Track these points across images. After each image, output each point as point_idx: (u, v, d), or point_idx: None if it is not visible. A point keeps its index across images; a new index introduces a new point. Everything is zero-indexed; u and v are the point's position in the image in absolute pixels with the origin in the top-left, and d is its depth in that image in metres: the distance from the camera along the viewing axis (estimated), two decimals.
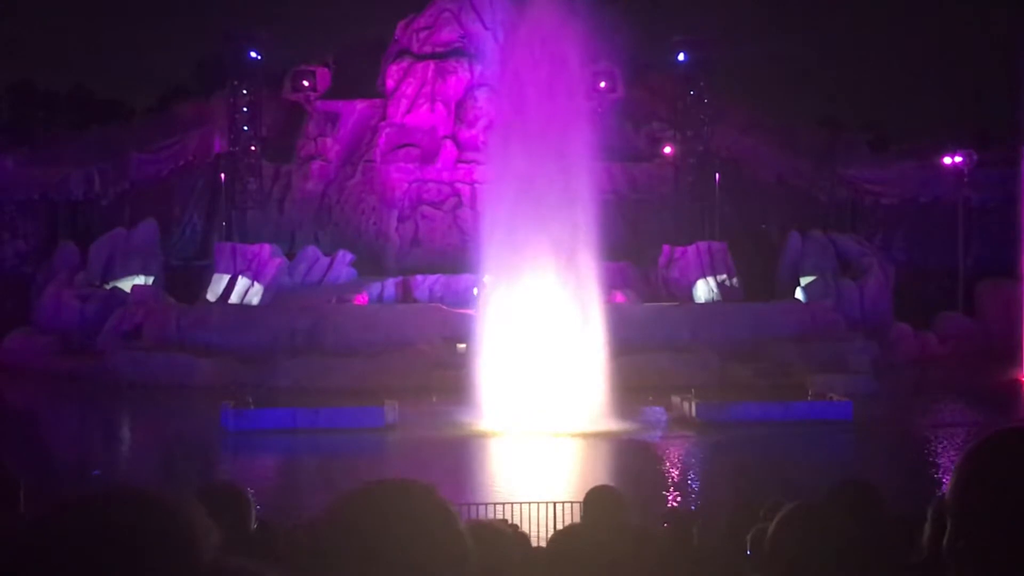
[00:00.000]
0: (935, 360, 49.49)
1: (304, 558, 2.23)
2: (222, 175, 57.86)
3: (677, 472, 28.70)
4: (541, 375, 35.23)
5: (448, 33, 58.09)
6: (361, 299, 51.27)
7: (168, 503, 1.71)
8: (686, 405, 35.38)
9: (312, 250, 56.10)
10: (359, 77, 58.67)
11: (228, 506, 4.86)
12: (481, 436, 32.48)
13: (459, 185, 56.39)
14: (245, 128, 57.57)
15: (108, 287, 51.48)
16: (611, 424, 33.71)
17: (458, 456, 30.63)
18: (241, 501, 4.97)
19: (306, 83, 58.68)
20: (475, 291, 44.47)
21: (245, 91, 57.27)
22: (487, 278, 43.88)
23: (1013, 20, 52.02)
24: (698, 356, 44.08)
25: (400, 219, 56.46)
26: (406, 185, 56.67)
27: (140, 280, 52.05)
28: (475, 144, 56.26)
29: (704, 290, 53.78)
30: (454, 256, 52.53)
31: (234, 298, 52.58)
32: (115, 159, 56.69)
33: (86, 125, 58.02)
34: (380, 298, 51.36)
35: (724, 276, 54.13)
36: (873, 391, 40.13)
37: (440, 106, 57.24)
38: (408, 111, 57.49)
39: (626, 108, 56.75)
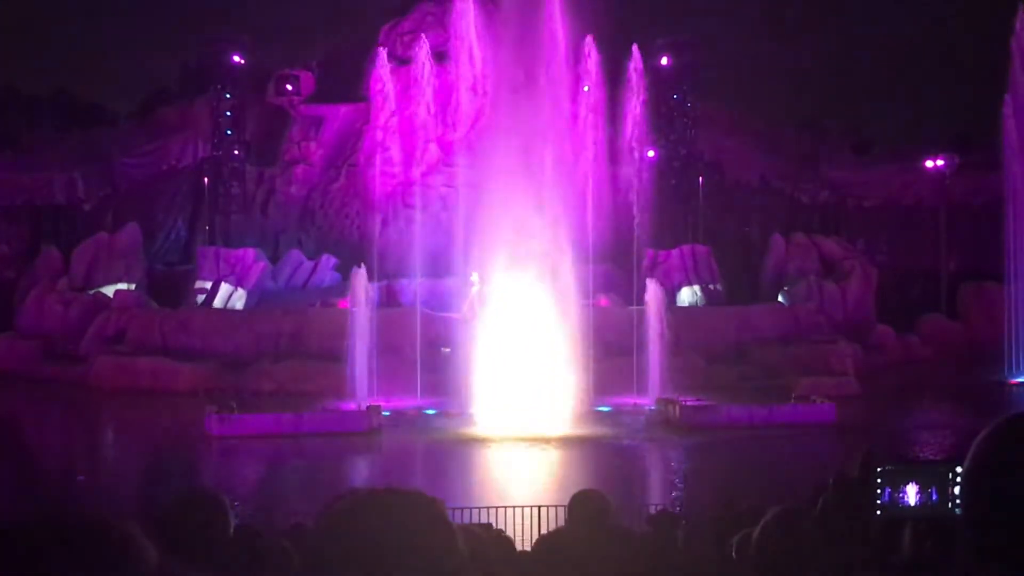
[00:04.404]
0: (918, 362, 49.63)
1: (296, 564, 2.22)
2: (205, 179, 57.71)
3: (661, 475, 28.74)
4: (526, 378, 35.25)
5: (432, 37, 58.07)
6: (345, 303, 51.16)
7: (101, 524, 1.71)
8: (670, 408, 35.45)
9: (296, 254, 56.01)
10: (343, 81, 58.59)
11: (206, 512, 4.87)
12: (465, 440, 32.46)
13: (443, 188, 56.33)
14: (228, 132, 57.44)
15: (91, 292, 51.28)
16: (596, 428, 33.75)
17: (442, 460, 30.63)
18: (218, 507, 4.99)
19: (290, 87, 58.58)
20: (473, 279, 44.34)
21: (228, 95, 57.15)
22: (474, 275, 43.93)
23: (996, 23, 52.25)
24: (682, 359, 44.11)
25: (384, 223, 56.36)
26: (390, 189, 56.60)
27: (123, 285, 51.86)
28: (459, 147, 56.24)
29: (688, 295, 53.85)
30: (438, 260, 52.46)
31: (218, 303, 52.45)
32: (98, 163, 56.51)
33: (69, 129, 57.79)
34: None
35: (708, 282, 54.22)
36: (856, 393, 40.24)
37: (424, 110, 57.20)
38: (392, 115, 57.43)
39: (610, 111, 56.78)
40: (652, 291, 41.61)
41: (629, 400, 38.16)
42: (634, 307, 43.32)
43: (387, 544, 2.06)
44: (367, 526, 2.08)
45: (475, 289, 44.60)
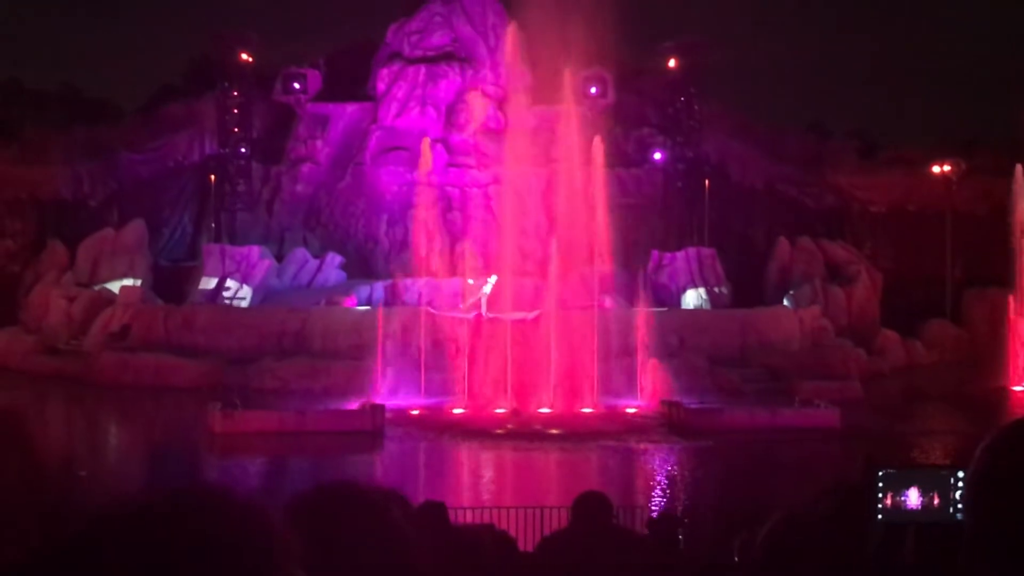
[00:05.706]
0: (922, 367, 49.61)
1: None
2: (211, 176, 57.77)
3: (664, 478, 28.72)
4: (530, 379, 35.26)
5: (439, 37, 58.10)
6: (350, 302, 51.21)
7: (257, 513, 1.64)
8: (674, 411, 35.45)
9: (301, 252, 56.02)
10: (350, 80, 58.64)
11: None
12: (468, 440, 32.47)
13: (449, 189, 56.34)
14: (235, 130, 57.50)
15: (96, 288, 51.34)
16: (599, 429, 33.75)
17: (445, 459, 30.65)
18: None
19: (297, 85, 58.63)
20: (489, 281, 44.33)
21: (235, 93, 57.22)
22: (492, 277, 43.96)
23: (1003, 29, 52.22)
24: (686, 362, 44.12)
25: (389, 222, 56.40)
26: (396, 188, 56.62)
27: (128, 281, 51.91)
28: (465, 148, 56.27)
29: (693, 297, 53.84)
30: (443, 260, 52.51)
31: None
32: (104, 159, 56.55)
33: (75, 125, 57.80)
34: (369, 301, 51.28)
35: (713, 284, 54.19)
36: (859, 398, 40.21)
37: (430, 110, 57.24)
38: (398, 114, 57.47)
39: (616, 113, 56.81)
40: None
41: (632, 402, 38.17)
42: (640, 309, 43.29)
43: (328, 536, 2.10)
44: (300, 527, 2.12)
45: (487, 288, 44.63)
